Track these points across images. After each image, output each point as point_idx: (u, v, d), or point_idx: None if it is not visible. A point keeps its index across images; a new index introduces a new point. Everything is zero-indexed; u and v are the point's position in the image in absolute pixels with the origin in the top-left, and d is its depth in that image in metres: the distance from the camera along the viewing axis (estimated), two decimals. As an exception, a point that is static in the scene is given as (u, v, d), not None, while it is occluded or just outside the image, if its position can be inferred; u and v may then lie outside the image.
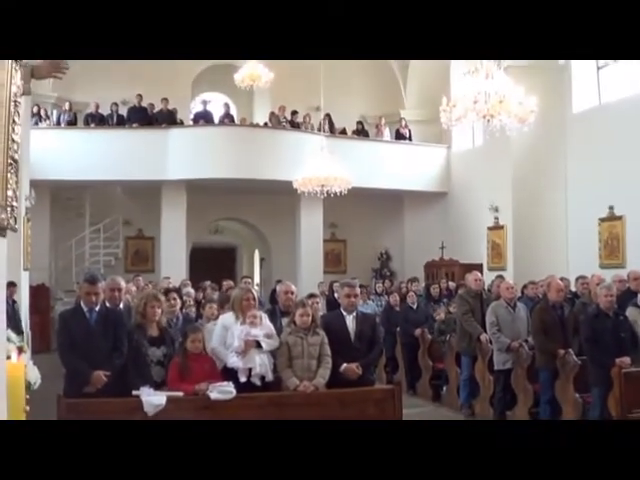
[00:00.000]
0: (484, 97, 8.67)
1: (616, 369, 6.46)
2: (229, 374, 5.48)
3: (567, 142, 14.40)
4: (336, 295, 10.29)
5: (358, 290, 6.27)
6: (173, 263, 15.75)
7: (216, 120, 17.06)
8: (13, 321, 8.20)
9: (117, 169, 15.53)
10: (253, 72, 14.50)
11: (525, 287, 9.99)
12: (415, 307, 10.85)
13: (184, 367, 5.33)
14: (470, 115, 8.79)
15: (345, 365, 5.68)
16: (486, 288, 10.02)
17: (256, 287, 15.58)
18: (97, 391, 5.18)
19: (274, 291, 10.78)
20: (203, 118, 16.92)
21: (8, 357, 2.98)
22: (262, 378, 5.52)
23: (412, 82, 18.92)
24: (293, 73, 16.20)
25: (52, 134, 16.04)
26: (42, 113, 16.16)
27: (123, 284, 6.74)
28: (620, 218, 12.91)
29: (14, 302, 9.64)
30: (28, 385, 3.61)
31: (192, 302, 8.84)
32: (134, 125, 16.38)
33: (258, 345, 5.53)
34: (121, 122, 16.65)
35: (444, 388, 9.90)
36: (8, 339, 3.50)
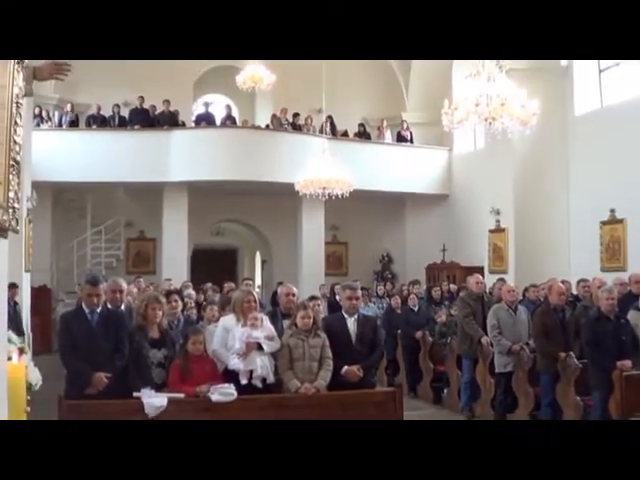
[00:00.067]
0: (486, 100, 8.67)
1: (617, 372, 6.45)
2: (230, 376, 5.48)
3: (569, 145, 14.41)
4: (337, 297, 10.30)
5: (359, 292, 6.27)
6: (174, 265, 15.75)
7: (218, 122, 17.10)
8: (14, 322, 8.21)
9: (119, 171, 15.54)
10: (255, 74, 14.52)
11: (526, 290, 10.00)
12: (416, 310, 10.84)
13: (185, 369, 5.33)
14: (472, 118, 8.80)
15: (346, 367, 5.68)
16: (487, 291, 10.02)
17: (257, 289, 15.62)
18: (98, 393, 5.17)
19: (275, 293, 10.78)
20: (205, 120, 16.94)
21: (9, 358, 2.98)
22: (263, 380, 5.52)
23: (414, 84, 18.92)
24: (295, 75, 16.22)
25: (54, 135, 16.06)
26: (44, 114, 16.17)
27: (124, 286, 6.75)
28: (621, 221, 12.92)
29: (15, 303, 9.64)
30: (29, 386, 3.61)
31: (193, 304, 8.87)
32: (136, 127, 16.39)
33: (259, 347, 5.52)
34: (123, 124, 16.67)
35: (445, 391, 9.89)
36: (9, 340, 3.51)
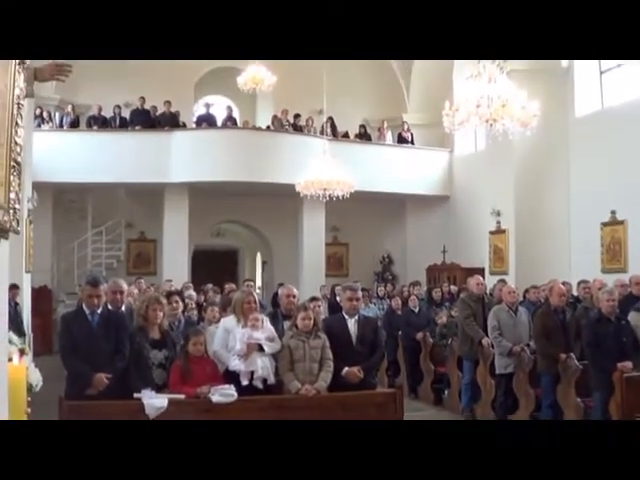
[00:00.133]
0: (487, 101, 8.68)
1: (618, 374, 6.45)
2: (231, 377, 5.48)
3: (569, 146, 14.39)
4: (338, 298, 10.29)
5: (360, 294, 6.27)
6: (175, 266, 15.75)
7: (219, 123, 17.10)
8: (15, 323, 8.21)
9: (119, 172, 15.53)
10: (256, 75, 14.53)
11: (527, 291, 9.99)
12: (417, 311, 10.84)
13: (186, 370, 5.33)
14: (473, 119, 8.81)
15: (347, 369, 5.68)
16: (488, 292, 10.02)
17: (258, 290, 15.63)
18: (99, 393, 5.17)
19: (276, 294, 10.76)
20: (206, 121, 16.95)
21: (10, 359, 2.98)
22: (264, 381, 5.52)
23: (415, 86, 18.92)
24: (296, 76, 16.22)
25: (55, 136, 16.06)
26: (45, 115, 16.18)
27: (125, 287, 6.76)
28: (622, 223, 12.91)
29: (16, 304, 9.65)
30: (30, 387, 3.61)
31: (194, 305, 8.87)
32: (137, 128, 16.39)
33: (260, 348, 5.52)
34: (124, 125, 16.68)
35: (446, 392, 9.89)
36: (10, 341, 3.50)
